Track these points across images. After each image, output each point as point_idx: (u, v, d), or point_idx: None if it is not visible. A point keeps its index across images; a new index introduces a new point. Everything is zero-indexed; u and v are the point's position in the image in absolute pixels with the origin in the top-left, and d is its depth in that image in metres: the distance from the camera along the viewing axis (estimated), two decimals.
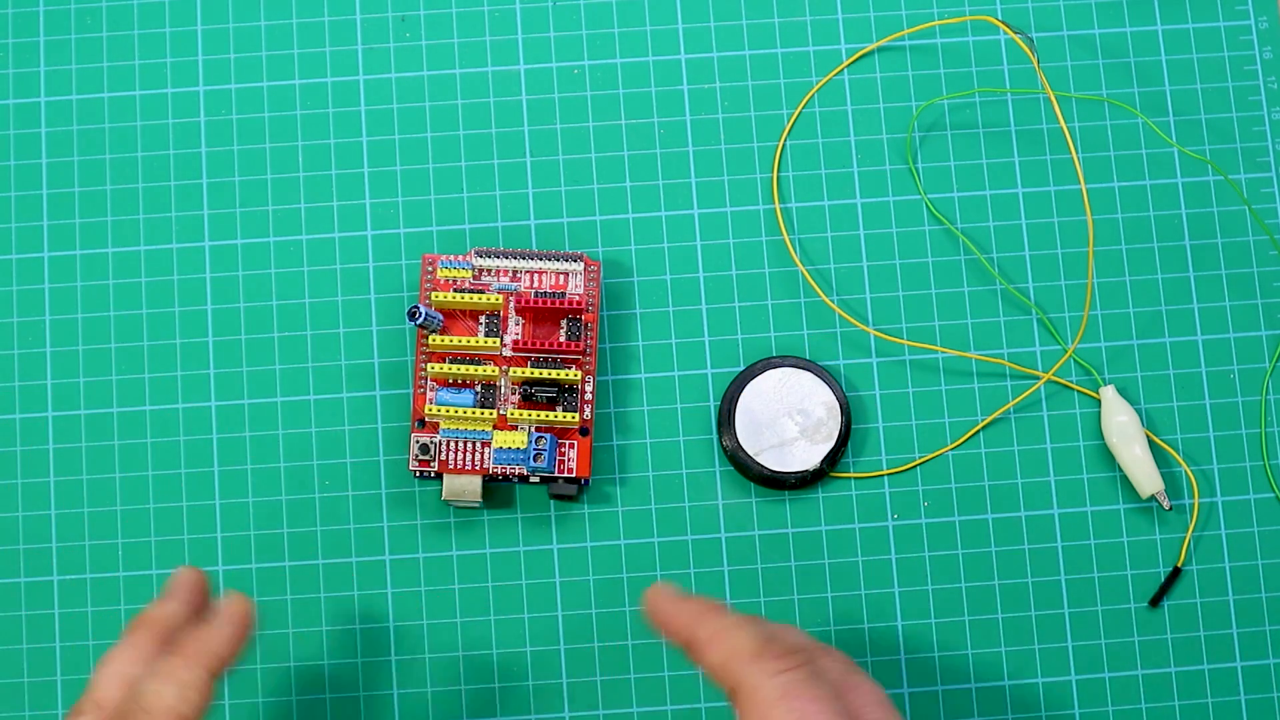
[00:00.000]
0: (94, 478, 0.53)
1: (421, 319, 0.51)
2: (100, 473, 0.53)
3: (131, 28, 0.56)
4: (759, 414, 0.53)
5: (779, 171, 0.56)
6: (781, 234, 0.55)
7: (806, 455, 0.53)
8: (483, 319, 0.53)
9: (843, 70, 0.56)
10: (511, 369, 0.52)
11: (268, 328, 0.54)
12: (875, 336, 0.54)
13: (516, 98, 0.56)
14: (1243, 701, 0.53)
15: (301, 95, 0.56)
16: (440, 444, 0.52)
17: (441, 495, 0.52)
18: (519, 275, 0.53)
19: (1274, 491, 0.54)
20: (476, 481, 0.52)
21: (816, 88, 0.56)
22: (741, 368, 0.54)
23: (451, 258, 0.53)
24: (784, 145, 0.56)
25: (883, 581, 0.53)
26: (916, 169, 0.56)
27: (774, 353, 0.54)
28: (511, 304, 0.53)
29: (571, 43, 0.56)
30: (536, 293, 0.53)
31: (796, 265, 0.55)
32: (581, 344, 0.52)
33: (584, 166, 0.55)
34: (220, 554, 0.53)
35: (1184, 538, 0.54)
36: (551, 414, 0.52)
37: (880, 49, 0.57)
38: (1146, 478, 0.53)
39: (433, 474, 0.52)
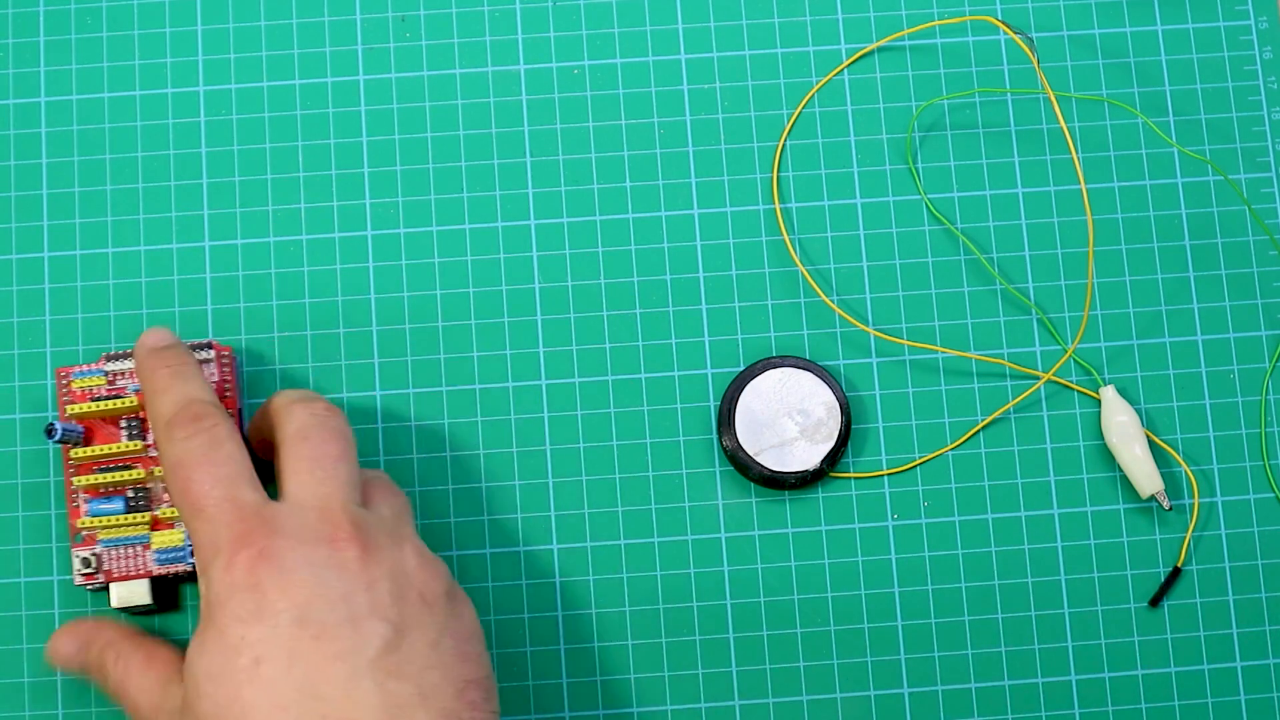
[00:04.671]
0: None
1: (59, 435, 0.50)
2: None
3: (131, 28, 0.56)
4: (759, 414, 0.53)
5: (779, 171, 0.56)
6: (781, 234, 0.55)
7: (806, 455, 0.53)
8: (123, 423, 0.51)
9: (843, 70, 0.56)
10: (157, 468, 0.51)
11: (268, 328, 0.54)
12: (875, 336, 0.54)
13: (516, 98, 0.56)
14: (1243, 701, 0.53)
15: (301, 95, 0.56)
16: (101, 555, 0.51)
17: (111, 604, 0.51)
18: None
19: (1274, 491, 0.54)
20: (144, 585, 0.51)
21: (816, 88, 0.56)
22: (741, 368, 0.54)
23: (83, 367, 0.52)
24: (784, 145, 0.56)
25: (883, 581, 0.53)
26: (916, 169, 0.56)
27: (774, 353, 0.54)
28: None
29: (571, 43, 0.56)
30: None
31: (796, 265, 0.55)
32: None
33: (584, 166, 0.55)
34: None
35: (1184, 538, 0.54)
36: None
37: (880, 49, 0.57)
38: (1146, 478, 0.53)
39: (101, 585, 0.51)
